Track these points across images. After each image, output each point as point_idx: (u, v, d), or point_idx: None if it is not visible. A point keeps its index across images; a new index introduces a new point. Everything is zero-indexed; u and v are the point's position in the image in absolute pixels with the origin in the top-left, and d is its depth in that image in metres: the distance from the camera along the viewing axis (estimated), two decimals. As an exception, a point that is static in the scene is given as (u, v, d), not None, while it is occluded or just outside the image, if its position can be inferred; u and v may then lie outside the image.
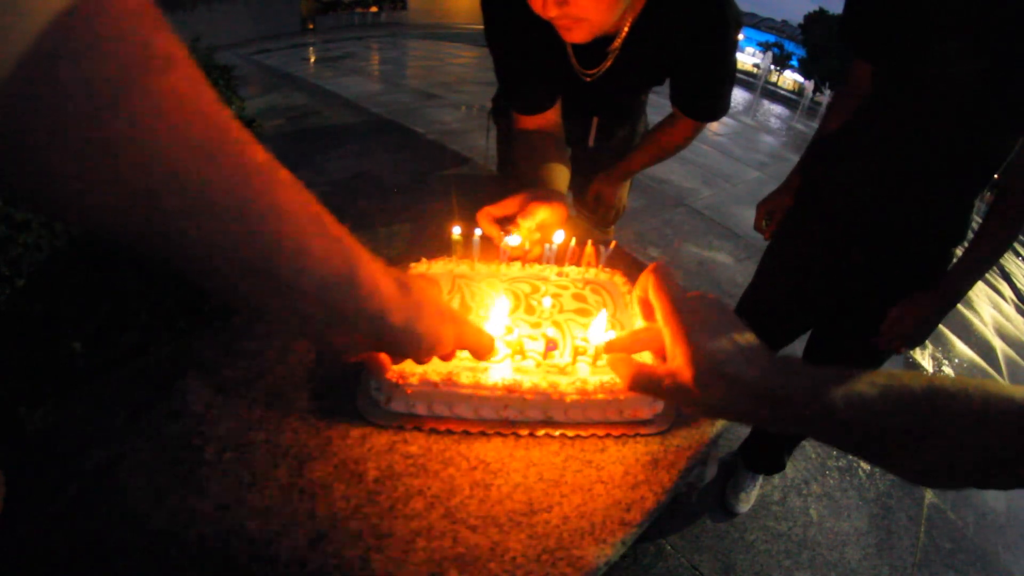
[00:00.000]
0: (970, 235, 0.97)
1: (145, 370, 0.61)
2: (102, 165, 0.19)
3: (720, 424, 0.62)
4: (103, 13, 0.18)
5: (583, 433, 0.57)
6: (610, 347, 0.47)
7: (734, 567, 1.38)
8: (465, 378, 0.54)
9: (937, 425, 0.32)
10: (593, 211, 1.26)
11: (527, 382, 0.54)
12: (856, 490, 1.71)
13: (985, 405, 0.32)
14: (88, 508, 0.47)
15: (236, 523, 0.46)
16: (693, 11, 0.83)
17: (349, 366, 0.59)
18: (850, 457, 1.82)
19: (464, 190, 1.08)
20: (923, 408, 0.33)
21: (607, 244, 0.75)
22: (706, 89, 0.96)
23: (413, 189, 1.09)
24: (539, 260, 0.73)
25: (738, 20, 0.85)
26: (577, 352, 0.59)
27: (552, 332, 0.61)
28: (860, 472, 1.78)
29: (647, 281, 0.43)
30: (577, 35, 0.76)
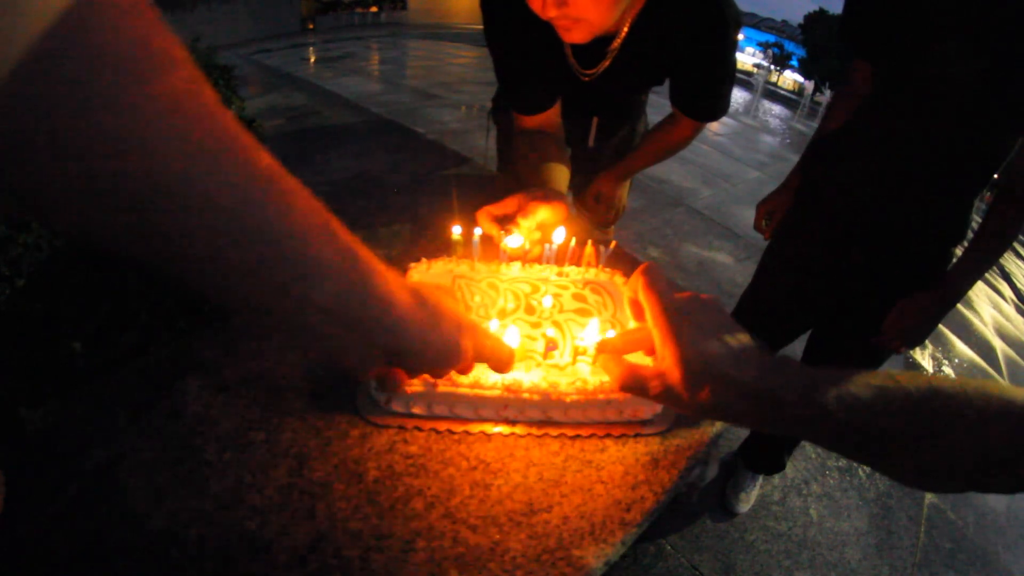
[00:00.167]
0: (970, 235, 0.97)
1: (145, 370, 0.61)
2: (100, 169, 0.19)
3: (720, 424, 0.62)
4: (101, 13, 0.18)
5: (583, 433, 0.57)
6: (602, 347, 0.46)
7: (734, 567, 1.38)
8: (464, 378, 0.54)
9: (936, 427, 0.32)
10: (593, 211, 1.26)
11: (527, 382, 0.54)
12: (856, 490, 1.71)
13: (985, 406, 0.31)
14: (88, 508, 0.47)
15: (236, 523, 0.46)
16: (693, 11, 0.83)
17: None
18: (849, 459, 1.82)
19: (464, 190, 1.08)
20: (921, 410, 0.32)
21: (607, 244, 0.75)
22: (706, 89, 0.96)
23: (413, 189, 1.09)
24: (539, 260, 0.73)
25: (738, 20, 0.85)
26: (577, 352, 0.59)
27: (552, 332, 0.61)
28: (860, 472, 1.78)
29: (637, 281, 0.42)
30: (576, 35, 0.76)
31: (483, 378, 0.54)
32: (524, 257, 0.74)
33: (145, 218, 0.20)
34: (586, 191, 1.24)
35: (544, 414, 0.57)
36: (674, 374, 0.37)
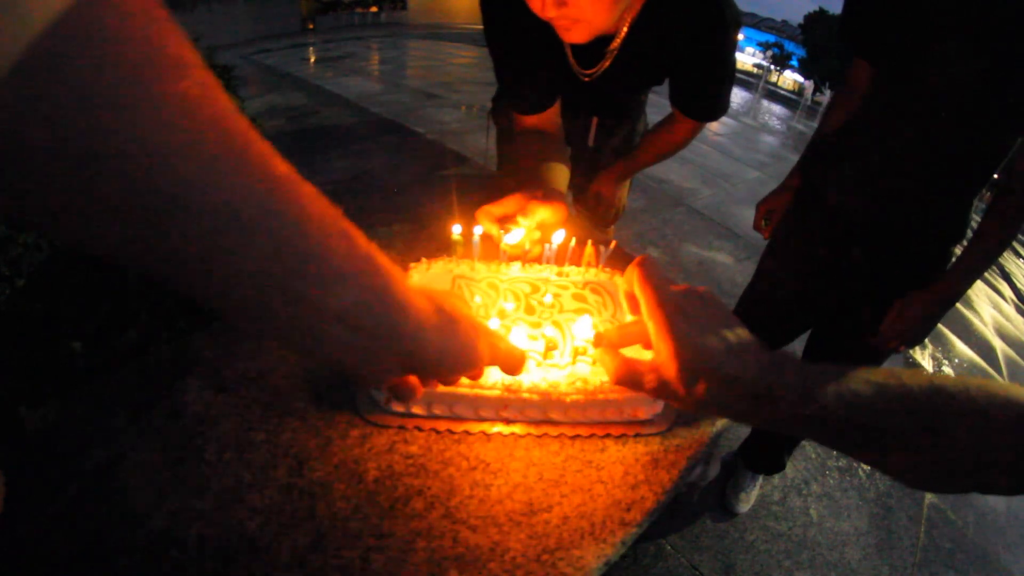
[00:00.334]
0: (969, 234, 0.97)
1: (145, 370, 0.61)
2: (106, 178, 0.18)
3: (720, 424, 0.62)
4: (109, 13, 0.17)
5: (583, 433, 0.57)
6: (599, 341, 0.46)
7: (734, 567, 1.38)
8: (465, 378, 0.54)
9: (937, 425, 0.31)
10: (593, 211, 1.26)
11: (527, 382, 0.54)
12: (856, 490, 1.71)
13: (987, 405, 0.31)
14: (88, 508, 0.47)
15: (236, 523, 0.46)
16: (692, 11, 0.83)
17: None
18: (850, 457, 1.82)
19: (464, 190, 1.08)
20: (923, 408, 0.32)
21: (607, 244, 0.75)
22: (705, 89, 0.96)
23: (413, 189, 1.09)
24: (539, 260, 0.73)
25: (737, 20, 0.85)
26: (577, 352, 0.59)
27: (552, 332, 0.61)
28: (860, 472, 1.78)
29: (632, 274, 0.42)
30: (576, 35, 0.76)
31: (483, 378, 0.54)
32: (524, 257, 0.74)
33: (156, 227, 0.19)
34: (586, 191, 1.24)
35: (544, 414, 0.57)
36: (669, 368, 0.36)
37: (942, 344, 2.76)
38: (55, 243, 1.11)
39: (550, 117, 0.95)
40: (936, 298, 0.97)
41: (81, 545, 0.45)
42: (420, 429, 0.56)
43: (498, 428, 0.56)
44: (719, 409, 0.37)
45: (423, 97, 5.26)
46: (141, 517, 0.46)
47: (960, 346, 2.84)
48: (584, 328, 0.56)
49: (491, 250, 0.72)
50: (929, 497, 1.80)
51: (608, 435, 0.57)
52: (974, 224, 0.97)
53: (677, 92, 0.98)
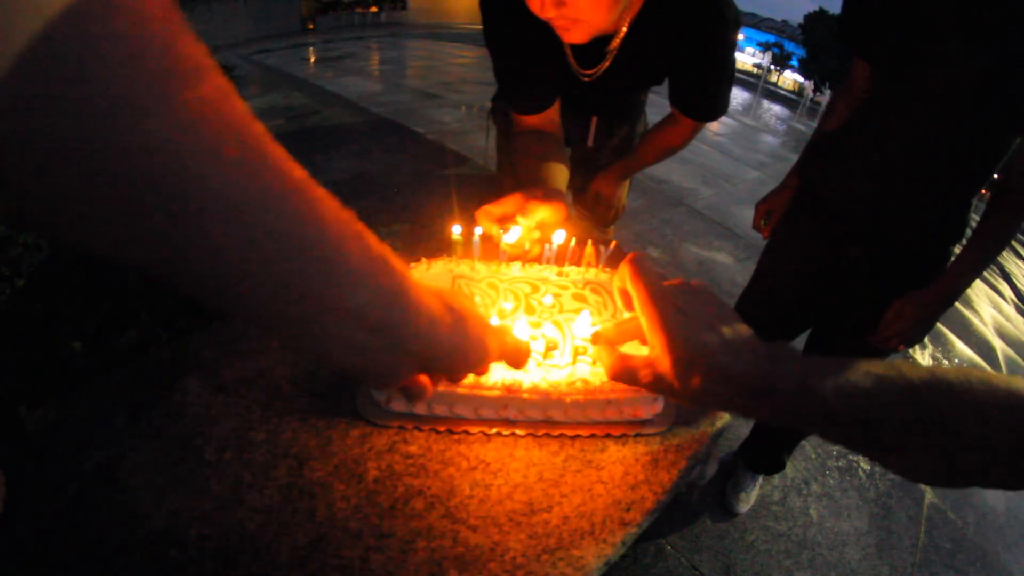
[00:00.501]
0: (968, 233, 0.97)
1: (145, 370, 0.61)
2: (127, 182, 0.18)
3: (720, 423, 0.62)
4: (128, 19, 0.17)
5: (583, 433, 0.57)
6: (596, 338, 0.46)
7: (734, 567, 1.38)
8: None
9: (938, 418, 0.31)
10: (593, 211, 1.26)
11: (527, 382, 0.54)
12: (856, 490, 1.71)
13: (989, 398, 0.30)
14: (88, 508, 0.47)
15: (236, 523, 0.46)
16: (692, 11, 0.83)
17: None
18: (850, 457, 1.82)
19: (464, 190, 1.08)
20: (923, 400, 0.31)
21: (607, 244, 0.75)
22: (705, 89, 0.96)
23: (413, 189, 1.09)
24: (539, 260, 0.73)
25: (737, 20, 0.85)
26: (577, 352, 0.59)
27: (552, 332, 0.61)
28: (860, 472, 1.78)
29: (625, 271, 0.42)
30: (575, 35, 0.76)
31: (483, 378, 0.54)
32: (524, 257, 0.74)
33: (175, 230, 0.19)
34: (586, 191, 1.24)
35: (544, 414, 0.57)
36: (663, 363, 0.36)
37: (942, 344, 2.76)
38: (56, 244, 1.11)
39: (550, 117, 0.95)
40: (935, 297, 0.97)
41: (81, 545, 0.45)
42: (420, 429, 0.56)
43: (498, 428, 0.56)
44: (717, 402, 0.37)
45: (423, 97, 5.26)
46: (141, 517, 0.46)
47: (960, 346, 2.84)
48: (583, 325, 0.56)
49: (491, 250, 0.72)
50: (929, 497, 1.80)
51: (608, 435, 0.57)
52: (973, 223, 0.97)
53: (677, 92, 0.98)
